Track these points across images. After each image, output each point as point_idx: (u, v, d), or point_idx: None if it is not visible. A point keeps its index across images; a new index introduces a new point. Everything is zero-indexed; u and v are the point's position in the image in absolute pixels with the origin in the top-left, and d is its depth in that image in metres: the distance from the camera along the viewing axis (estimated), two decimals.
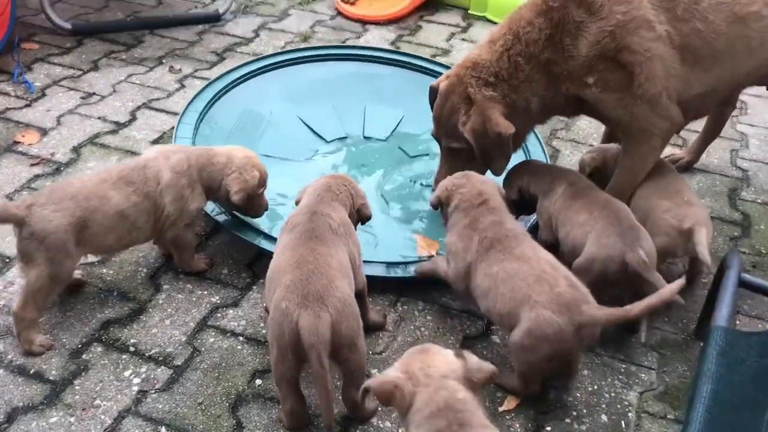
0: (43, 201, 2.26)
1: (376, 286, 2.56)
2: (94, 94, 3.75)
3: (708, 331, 2.02)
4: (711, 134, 3.39)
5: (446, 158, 2.84)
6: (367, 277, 2.37)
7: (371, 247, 2.77)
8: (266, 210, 2.72)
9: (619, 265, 2.34)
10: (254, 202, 2.63)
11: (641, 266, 2.32)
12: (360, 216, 2.43)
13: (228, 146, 2.67)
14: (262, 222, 2.81)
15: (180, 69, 4.05)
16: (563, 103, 2.67)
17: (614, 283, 2.39)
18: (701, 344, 2.49)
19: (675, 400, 2.32)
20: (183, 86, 3.88)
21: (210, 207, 2.77)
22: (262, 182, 2.63)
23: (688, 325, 2.62)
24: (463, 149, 2.74)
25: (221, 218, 2.78)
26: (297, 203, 2.37)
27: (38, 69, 3.94)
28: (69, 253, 2.28)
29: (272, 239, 2.61)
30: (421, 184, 3.21)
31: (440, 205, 2.52)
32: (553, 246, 2.65)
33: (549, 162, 3.24)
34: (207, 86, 3.48)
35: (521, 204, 2.79)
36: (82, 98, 3.71)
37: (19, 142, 3.31)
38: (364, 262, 2.41)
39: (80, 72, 3.94)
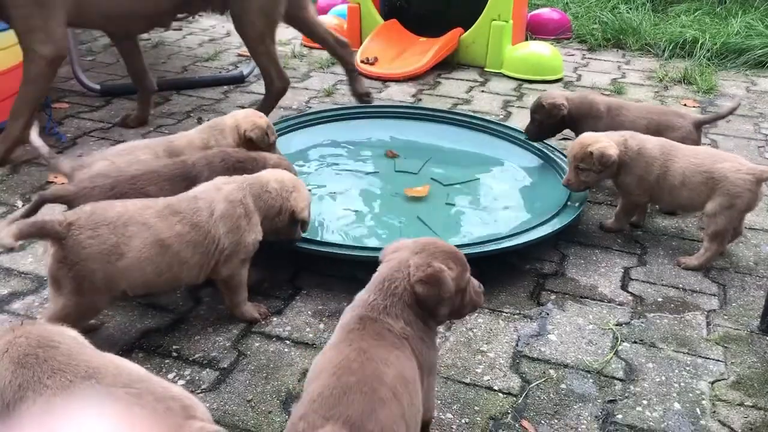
0: (82, 223, 2.09)
1: None
2: (124, 141, 3.77)
3: None
4: None
5: None
6: None
7: None
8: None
9: None
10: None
11: None
12: None
13: (268, 170, 2.53)
14: None
15: (209, 120, 4.10)
16: None
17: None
18: None
19: (749, 388, 2.19)
20: None
21: None
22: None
23: (749, 321, 2.51)
24: None
25: None
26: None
27: (69, 123, 4.00)
28: (96, 286, 2.09)
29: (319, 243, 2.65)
30: (458, 209, 3.18)
31: None
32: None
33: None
34: None
35: None
36: (113, 145, 3.73)
37: (52, 182, 3.31)
38: None
39: (109, 125, 4.00)
